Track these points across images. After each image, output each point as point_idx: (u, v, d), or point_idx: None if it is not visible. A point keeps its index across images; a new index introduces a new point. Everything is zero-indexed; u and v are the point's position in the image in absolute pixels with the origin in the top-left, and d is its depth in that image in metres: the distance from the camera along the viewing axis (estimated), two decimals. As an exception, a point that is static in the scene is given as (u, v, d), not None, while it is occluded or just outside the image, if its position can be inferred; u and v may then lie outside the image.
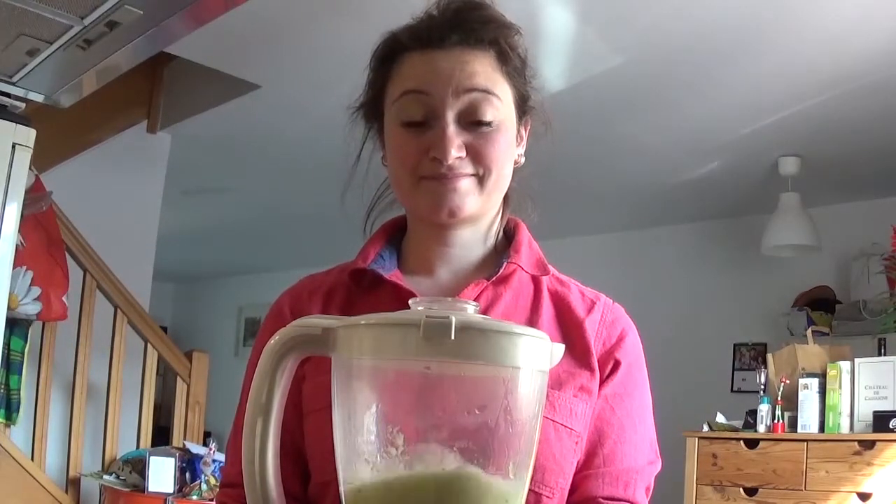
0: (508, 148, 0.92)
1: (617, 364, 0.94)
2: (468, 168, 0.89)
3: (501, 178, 0.92)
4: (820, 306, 4.41)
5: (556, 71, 3.22)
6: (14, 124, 1.95)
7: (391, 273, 0.94)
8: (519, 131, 0.96)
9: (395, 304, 0.89)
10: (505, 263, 0.94)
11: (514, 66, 0.93)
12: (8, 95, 1.90)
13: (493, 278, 0.93)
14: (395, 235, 1.01)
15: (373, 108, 0.97)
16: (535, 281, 0.97)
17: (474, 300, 0.90)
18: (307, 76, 3.40)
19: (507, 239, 0.99)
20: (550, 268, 0.98)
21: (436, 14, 0.92)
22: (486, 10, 0.92)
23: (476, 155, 0.89)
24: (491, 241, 0.98)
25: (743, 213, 4.83)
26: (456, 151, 0.87)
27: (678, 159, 4.14)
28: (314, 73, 3.35)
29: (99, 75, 1.85)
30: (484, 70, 0.90)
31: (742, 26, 2.82)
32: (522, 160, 0.98)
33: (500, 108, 0.90)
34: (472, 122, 0.89)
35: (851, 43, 2.86)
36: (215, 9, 1.65)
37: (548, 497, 0.87)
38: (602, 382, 0.93)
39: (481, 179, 0.90)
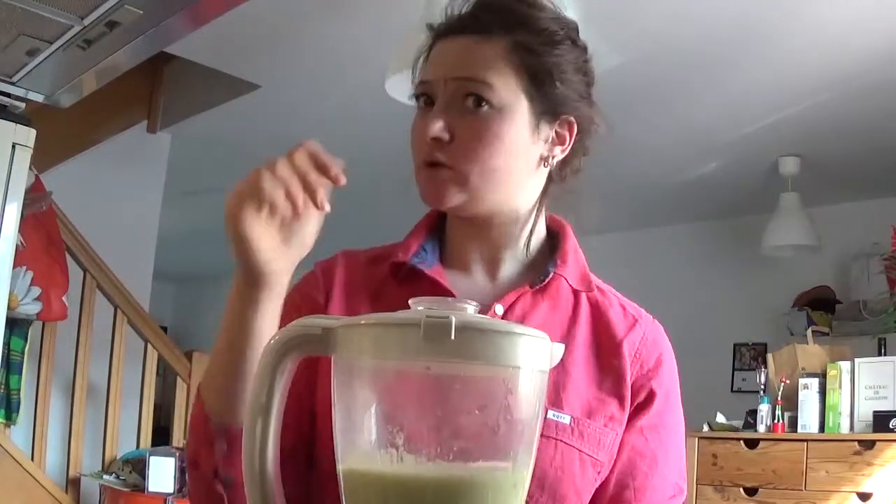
0: (508, 139, 0.89)
1: (652, 394, 0.92)
2: (444, 156, 0.88)
3: (498, 172, 0.89)
4: (820, 306, 4.41)
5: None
6: (14, 124, 1.95)
7: (432, 268, 0.93)
8: (539, 130, 0.91)
9: None
10: (552, 273, 0.92)
11: (532, 56, 0.90)
12: (8, 95, 1.90)
13: (536, 287, 0.92)
14: (437, 226, 0.99)
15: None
16: (576, 292, 0.95)
17: (511, 305, 0.90)
18: (307, 76, 3.40)
19: (552, 242, 0.97)
20: (593, 279, 0.96)
21: (457, 5, 0.94)
22: (502, 1, 0.92)
23: (458, 145, 0.88)
24: (534, 243, 0.96)
25: (743, 213, 4.83)
26: (436, 132, 0.87)
27: (678, 159, 4.14)
28: (314, 73, 3.35)
29: (99, 75, 1.85)
30: (483, 59, 0.88)
31: (742, 26, 2.82)
32: (554, 161, 0.94)
33: (493, 96, 0.88)
34: (461, 105, 0.88)
35: (851, 43, 2.86)
36: (215, 9, 1.66)
37: None
38: (637, 411, 0.91)
39: (461, 170, 0.88)
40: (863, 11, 2.66)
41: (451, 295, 0.90)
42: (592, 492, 0.89)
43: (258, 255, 0.74)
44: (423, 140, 0.89)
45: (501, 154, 0.89)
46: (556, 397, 0.87)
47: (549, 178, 0.95)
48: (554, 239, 0.98)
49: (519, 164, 0.91)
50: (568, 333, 0.92)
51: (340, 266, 0.97)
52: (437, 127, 0.87)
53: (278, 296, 0.79)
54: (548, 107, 0.91)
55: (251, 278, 0.76)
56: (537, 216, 0.96)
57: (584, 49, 0.96)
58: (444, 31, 0.92)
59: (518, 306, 0.91)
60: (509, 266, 0.95)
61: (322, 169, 0.74)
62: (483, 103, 0.88)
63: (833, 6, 2.64)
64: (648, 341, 0.94)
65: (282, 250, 0.76)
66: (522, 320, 0.90)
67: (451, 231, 0.98)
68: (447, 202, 0.89)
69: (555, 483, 0.85)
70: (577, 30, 0.95)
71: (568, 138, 0.95)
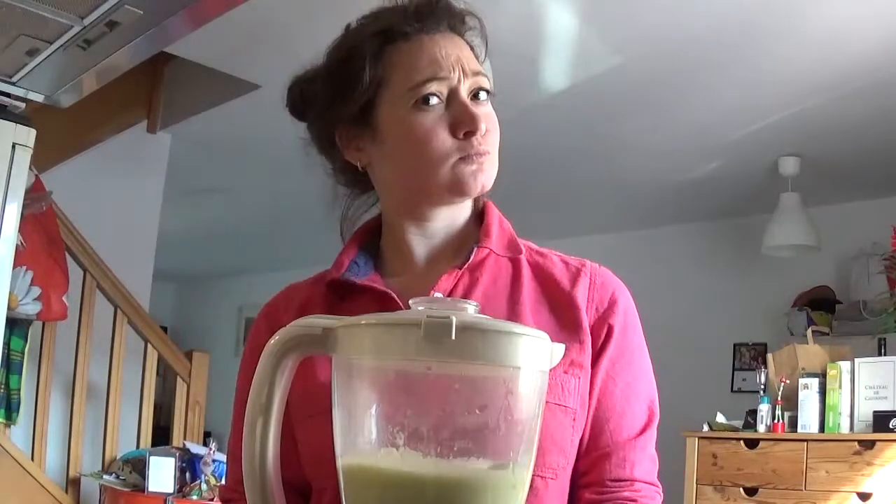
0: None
1: (610, 330, 0.93)
2: (486, 144, 0.91)
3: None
4: (820, 306, 4.41)
5: (556, 70, 3.22)
6: (14, 124, 1.94)
7: (366, 278, 0.95)
8: None
9: (375, 308, 0.90)
10: (475, 249, 0.94)
11: (482, 51, 0.98)
12: (8, 95, 1.90)
13: (465, 266, 0.93)
14: (370, 240, 1.01)
15: (365, 106, 0.94)
16: (514, 259, 0.97)
17: (451, 289, 0.91)
18: (307, 76, 3.39)
19: (478, 221, 0.99)
20: (524, 244, 0.98)
21: (414, 3, 0.94)
22: (452, 1, 0.96)
23: (488, 134, 0.92)
24: (459, 224, 0.98)
25: (743, 213, 4.83)
26: (484, 124, 0.90)
27: (678, 159, 4.14)
28: (314, 73, 3.34)
29: (99, 75, 1.84)
30: (474, 53, 0.95)
31: (742, 26, 2.82)
32: None
33: (490, 87, 0.94)
34: (476, 96, 0.92)
35: (851, 43, 2.86)
36: (215, 9, 1.65)
37: (551, 479, 0.88)
38: (599, 353, 0.93)
39: (495, 157, 0.93)
40: (862, 12, 2.66)
41: (389, 297, 0.91)
42: (574, 442, 0.90)
43: None
44: (451, 135, 0.89)
45: None
46: None
47: None
48: (479, 216, 1.00)
49: None
50: (512, 298, 0.93)
51: (286, 298, 1.01)
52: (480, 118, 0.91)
53: None
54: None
55: None
56: (475, 201, 1.00)
57: None
58: (423, 27, 0.92)
59: (459, 288, 0.92)
60: (445, 251, 0.97)
61: None
62: (488, 94, 0.93)
63: (832, 6, 2.64)
64: (597, 285, 0.96)
65: None
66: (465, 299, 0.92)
67: (394, 236, 0.98)
68: (488, 186, 0.93)
69: None
70: None
71: None
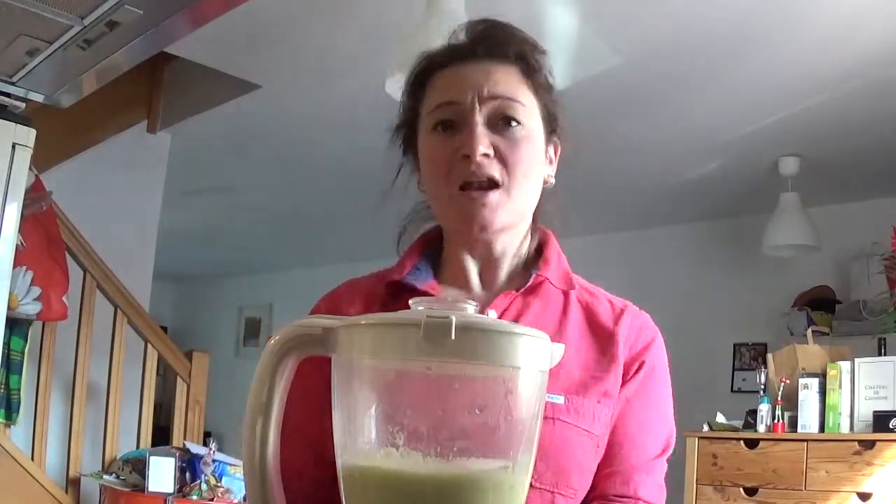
0: (535, 157, 0.95)
1: (640, 366, 0.96)
2: (495, 170, 0.91)
3: (528, 188, 0.95)
4: (820, 306, 4.41)
5: (556, 70, 3.21)
6: (14, 124, 1.94)
7: (426, 284, 0.97)
8: (547, 151, 0.99)
9: None
10: (534, 275, 0.97)
11: (539, 82, 0.97)
12: (8, 95, 1.90)
13: (522, 290, 0.96)
14: (431, 246, 1.03)
15: (409, 130, 1.00)
16: (565, 292, 1.00)
17: (504, 309, 0.94)
18: (307, 76, 3.40)
19: (538, 251, 1.02)
20: (577, 280, 1.01)
21: (463, 33, 0.97)
22: (510, 29, 0.97)
23: (502, 157, 0.91)
24: (522, 253, 1.01)
25: (743, 213, 4.83)
26: (484, 148, 0.90)
27: (678, 159, 4.14)
28: (314, 73, 3.35)
29: (99, 75, 1.84)
30: (509, 80, 0.94)
31: (742, 26, 2.82)
32: (552, 181, 1.01)
33: (526, 114, 0.93)
34: (500, 122, 0.92)
35: (851, 43, 2.86)
36: (215, 9, 1.65)
37: (571, 498, 0.90)
38: (624, 384, 0.96)
39: (508, 188, 0.92)
40: (862, 11, 2.66)
41: None
42: (595, 464, 0.93)
43: None
44: (454, 158, 0.91)
45: (532, 173, 0.95)
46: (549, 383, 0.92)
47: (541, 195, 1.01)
48: (539, 246, 1.03)
49: (538, 184, 0.98)
50: (559, 326, 0.96)
51: (349, 290, 1.02)
52: (487, 142, 0.90)
53: None
54: (549, 129, 0.98)
55: None
56: (533, 231, 1.02)
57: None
58: (457, 56, 0.95)
59: (511, 309, 0.95)
60: (503, 275, 1.00)
61: None
62: (516, 122, 0.92)
63: (833, 6, 2.64)
64: (636, 327, 0.99)
65: None
66: (515, 321, 0.94)
67: (451, 249, 1.01)
68: (496, 225, 0.93)
69: (557, 458, 0.89)
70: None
71: (554, 159, 1.01)
